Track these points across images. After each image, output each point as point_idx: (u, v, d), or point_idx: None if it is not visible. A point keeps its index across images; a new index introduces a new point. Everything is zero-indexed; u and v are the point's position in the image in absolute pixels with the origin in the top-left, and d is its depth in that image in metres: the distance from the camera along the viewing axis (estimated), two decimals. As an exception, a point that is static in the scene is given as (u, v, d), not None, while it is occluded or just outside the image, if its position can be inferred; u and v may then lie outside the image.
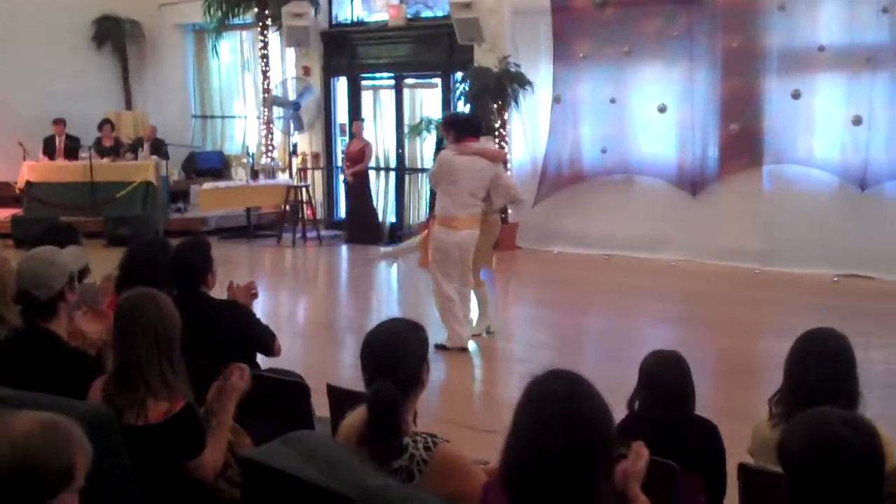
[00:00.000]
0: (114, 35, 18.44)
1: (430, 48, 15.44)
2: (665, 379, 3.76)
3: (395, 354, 3.12)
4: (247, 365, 4.08)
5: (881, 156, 11.45)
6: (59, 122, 16.41)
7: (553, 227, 13.96)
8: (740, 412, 5.18)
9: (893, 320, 9.67)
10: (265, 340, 5.08)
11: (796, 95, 11.88)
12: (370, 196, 15.92)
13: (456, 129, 8.55)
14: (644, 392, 3.78)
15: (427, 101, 15.91)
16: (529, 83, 13.80)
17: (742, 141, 12.38)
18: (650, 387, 3.76)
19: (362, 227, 15.54)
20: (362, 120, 15.94)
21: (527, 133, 14.40)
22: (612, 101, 13.32)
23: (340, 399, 4.26)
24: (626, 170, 13.44)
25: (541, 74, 14.01)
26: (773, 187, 12.28)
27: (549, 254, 13.74)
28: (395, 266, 14.49)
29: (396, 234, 15.60)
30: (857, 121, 11.47)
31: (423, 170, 15.60)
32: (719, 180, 12.66)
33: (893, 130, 11.34)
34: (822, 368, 3.39)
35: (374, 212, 15.98)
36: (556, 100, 13.92)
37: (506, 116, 14.16)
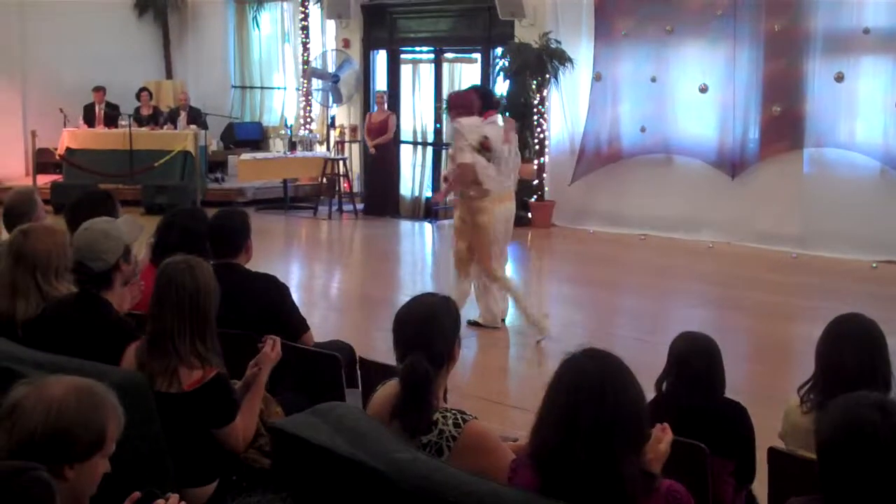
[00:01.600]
0: (155, 3, 18.49)
1: (471, 23, 15.36)
2: (693, 361, 3.74)
3: (428, 329, 3.12)
4: (282, 340, 4.08)
5: (924, 141, 11.30)
6: (99, 89, 16.49)
7: (590, 206, 13.90)
8: (773, 397, 5.14)
9: (932, 308, 9.56)
10: (296, 326, 4.94)
11: (839, 78, 11.72)
12: (397, 169, 15.92)
13: (485, 101, 8.49)
14: (672, 374, 3.77)
15: (466, 76, 15.83)
16: (570, 60, 13.70)
17: (783, 123, 12.24)
18: (678, 369, 3.75)
19: (381, 199, 15.57)
20: (385, 91, 15.92)
21: (566, 110, 14.32)
22: (653, 79, 13.20)
23: (372, 372, 4.27)
24: (666, 149, 13.33)
25: (581, 51, 13.91)
26: (813, 171, 12.14)
27: (584, 232, 13.68)
28: (431, 239, 14.54)
29: (432, 208, 15.58)
30: (902, 105, 11.32)
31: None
32: (759, 162, 12.53)
33: (938, 115, 11.18)
34: (856, 353, 3.37)
35: (396, 185, 16.01)
36: (597, 77, 13.81)
37: (545, 93, 14.09)
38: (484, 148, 8.15)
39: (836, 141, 11.93)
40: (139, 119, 16.30)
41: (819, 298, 9.53)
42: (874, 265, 11.31)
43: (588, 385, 2.40)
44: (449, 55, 16.02)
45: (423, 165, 16.23)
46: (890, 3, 11.42)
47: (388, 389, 3.15)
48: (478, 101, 8.48)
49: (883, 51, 11.55)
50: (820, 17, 11.91)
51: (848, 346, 3.40)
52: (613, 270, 11.60)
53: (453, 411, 3.06)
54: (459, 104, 8.50)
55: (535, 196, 14.26)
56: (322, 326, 7.42)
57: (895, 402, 2.47)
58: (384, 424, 2.97)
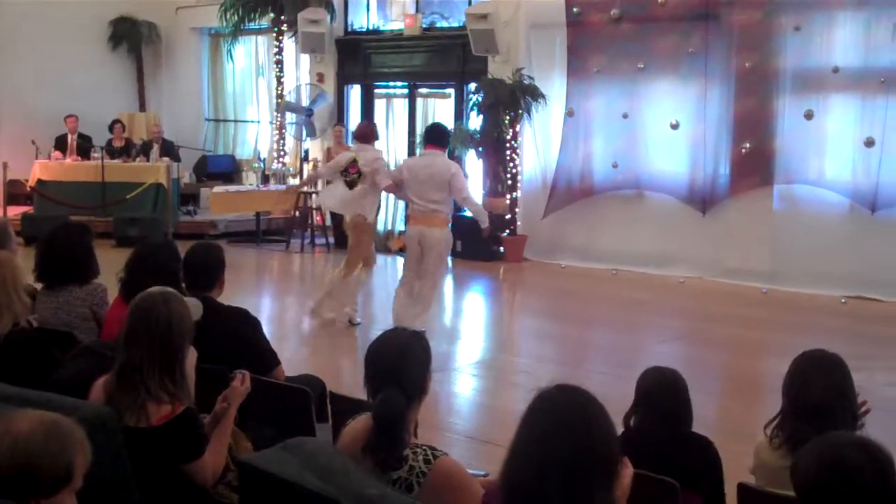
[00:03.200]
0: (130, 36, 18.52)
1: (445, 58, 15.46)
2: (661, 396, 3.76)
3: (401, 364, 3.12)
4: (253, 375, 4.06)
5: (893, 178, 11.41)
6: (71, 116, 16.44)
7: (561, 241, 13.96)
8: (744, 431, 5.17)
9: (900, 344, 9.65)
10: (267, 360, 4.95)
11: (809, 116, 11.86)
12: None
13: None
14: (640, 408, 3.78)
15: (440, 110, 15.91)
16: (543, 96, 13.81)
17: (753, 160, 12.36)
18: (646, 403, 3.76)
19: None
20: (341, 125, 15.95)
21: (538, 146, 14.41)
22: (625, 116, 13.32)
23: (342, 406, 4.26)
24: (637, 185, 13.43)
25: (554, 87, 14.03)
26: (783, 207, 12.26)
27: (556, 267, 13.72)
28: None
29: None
30: (870, 143, 11.44)
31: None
32: (730, 198, 12.64)
33: (905, 153, 11.32)
34: (823, 388, 3.40)
35: None
36: (569, 113, 13.92)
37: (518, 128, 14.18)
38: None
39: (805, 178, 12.07)
40: (111, 151, 16.25)
41: (789, 334, 9.57)
42: (843, 300, 11.40)
43: (560, 420, 2.41)
44: (423, 90, 16.10)
45: (394, 198, 16.20)
46: (859, 43, 11.59)
47: (358, 424, 3.14)
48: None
49: (852, 89, 11.70)
50: (790, 56, 12.07)
51: (814, 381, 3.43)
52: (585, 305, 11.63)
53: (423, 447, 3.05)
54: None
55: (507, 230, 14.30)
56: (293, 360, 7.40)
57: (872, 442, 2.50)
58: (355, 460, 2.96)
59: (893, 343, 9.65)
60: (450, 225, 9.57)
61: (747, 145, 12.38)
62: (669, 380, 3.86)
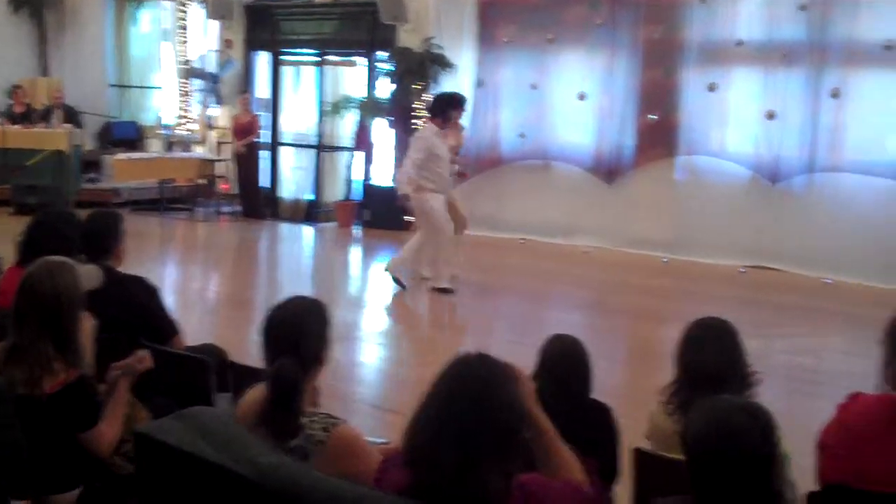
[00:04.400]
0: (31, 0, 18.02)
1: (354, 26, 15.33)
2: (561, 363, 3.79)
3: (297, 333, 3.11)
4: (150, 344, 4.01)
5: (793, 151, 11.67)
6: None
7: (470, 211, 13.94)
8: (643, 397, 5.25)
9: (796, 312, 9.90)
10: (165, 329, 4.86)
11: (712, 88, 12.07)
12: (257, 169, 15.84)
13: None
14: (542, 375, 3.81)
15: (349, 79, 15.82)
16: (452, 65, 13.81)
17: (658, 131, 12.54)
18: (547, 370, 3.79)
19: (254, 200, 15.50)
20: (248, 92, 15.88)
21: (448, 115, 14.39)
22: (534, 87, 13.40)
23: (242, 376, 4.23)
24: (544, 156, 13.53)
25: (464, 57, 14.04)
26: (685, 178, 12.48)
27: (465, 236, 13.72)
28: (311, 241, 14.47)
29: (314, 211, 15.51)
30: (771, 115, 11.68)
31: (341, 148, 15.54)
32: (634, 169, 12.82)
33: (805, 126, 11.55)
34: (715, 353, 3.47)
35: (257, 185, 15.92)
36: (479, 83, 13.95)
37: (427, 98, 14.14)
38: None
39: (707, 149, 12.28)
40: (11, 117, 15.82)
41: (689, 302, 9.75)
42: (742, 270, 11.66)
43: (465, 387, 2.42)
44: (332, 58, 15.96)
45: (304, 168, 16.13)
46: (762, 17, 11.79)
47: (255, 394, 3.13)
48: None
49: (755, 62, 11.91)
50: (695, 29, 12.24)
51: (707, 347, 3.49)
52: (493, 274, 11.69)
53: (322, 415, 3.05)
54: None
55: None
56: (198, 330, 7.31)
57: (757, 405, 2.56)
58: (251, 429, 2.94)
59: (790, 311, 9.92)
60: (423, 194, 9.99)
61: (652, 117, 12.55)
62: (570, 347, 3.89)
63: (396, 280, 10.35)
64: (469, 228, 11.07)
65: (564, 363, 3.81)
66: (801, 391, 7.18)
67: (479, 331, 9.24)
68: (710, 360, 3.45)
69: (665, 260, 12.16)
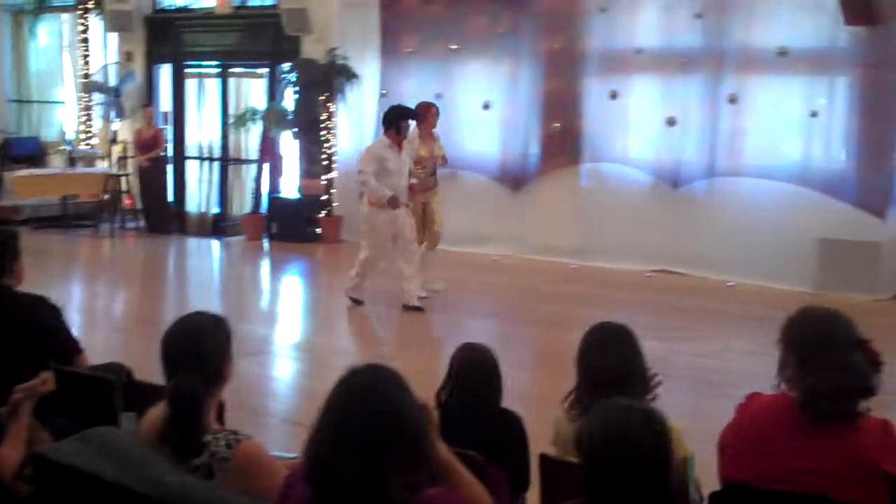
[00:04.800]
0: (-77, 13, 17.55)
1: (257, 37, 15.23)
2: (470, 372, 3.82)
3: (197, 348, 3.08)
4: (53, 364, 3.93)
5: (693, 156, 11.88)
6: None
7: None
8: (553, 404, 5.30)
9: (701, 315, 10.07)
10: (68, 349, 4.73)
11: (614, 96, 12.25)
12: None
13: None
14: (451, 384, 3.83)
15: (253, 91, 15.71)
16: (356, 76, 13.81)
17: (562, 139, 12.68)
18: (457, 379, 3.82)
19: (160, 216, 15.31)
20: (151, 106, 15.71)
21: (353, 126, 14.40)
22: (439, 96, 13.40)
23: (148, 394, 4.17)
24: (451, 165, 13.50)
25: (368, 68, 14.04)
26: (590, 185, 12.62)
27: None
28: (218, 256, 14.33)
29: (221, 225, 15.37)
30: (671, 122, 11.89)
31: (247, 160, 15.43)
32: (540, 177, 12.93)
33: (705, 132, 11.78)
34: (615, 357, 3.50)
35: (166, 200, 15.76)
36: (383, 94, 13.96)
37: (332, 109, 14.13)
38: None
39: (611, 156, 12.45)
40: None
41: (597, 308, 9.82)
42: (648, 275, 11.84)
43: (361, 399, 2.43)
44: (235, 69, 15.83)
45: (209, 181, 15.97)
46: (660, 25, 11.99)
47: (157, 412, 3.09)
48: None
49: (653, 70, 12.11)
50: (595, 38, 12.41)
51: (605, 352, 3.53)
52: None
53: (226, 432, 3.02)
54: None
55: (323, 211, 14.25)
56: (104, 348, 7.22)
57: (650, 408, 2.60)
58: (154, 448, 2.91)
59: (695, 314, 10.09)
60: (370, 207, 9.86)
61: (556, 125, 12.69)
62: (479, 356, 3.91)
63: (353, 300, 10.20)
64: (439, 244, 10.92)
65: (474, 372, 3.83)
66: (707, 393, 7.31)
67: (390, 341, 9.24)
68: (609, 364, 3.48)
69: (574, 266, 12.28)
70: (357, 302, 10.15)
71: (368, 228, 9.94)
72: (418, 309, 9.85)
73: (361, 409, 2.41)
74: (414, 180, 10.06)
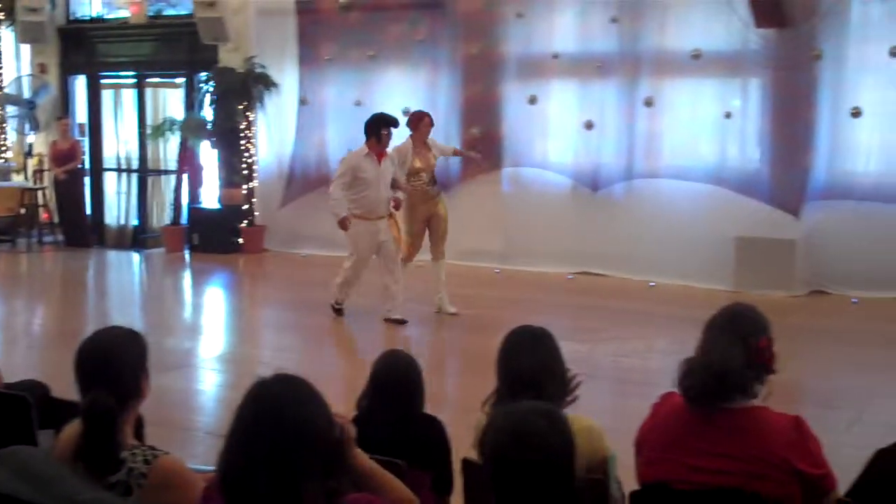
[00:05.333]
0: None
1: (173, 47, 15.08)
2: (392, 378, 3.83)
3: (111, 363, 3.04)
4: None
5: (611, 159, 12.04)
6: None
7: (301, 230, 13.94)
8: (476, 408, 5.33)
9: (623, 315, 10.18)
10: None
11: (532, 101, 12.36)
12: (82, 196, 15.43)
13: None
14: (372, 390, 3.84)
15: (170, 101, 15.55)
16: (275, 84, 13.75)
17: (483, 144, 12.72)
18: (378, 385, 3.82)
19: (78, 229, 15.09)
20: (67, 117, 15.50)
21: (273, 135, 14.33)
22: (358, 103, 13.44)
23: (66, 411, 4.10)
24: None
25: (287, 76, 13.99)
26: (512, 189, 12.71)
27: (297, 256, 13.71)
28: (139, 269, 14.16)
29: (140, 237, 15.17)
30: (589, 125, 12.03)
31: (166, 171, 15.26)
32: (462, 183, 12.98)
33: (622, 135, 11.95)
34: (532, 359, 3.51)
35: (84, 213, 15.53)
36: (303, 101, 13.93)
37: (252, 118, 14.05)
38: None
39: (531, 160, 12.57)
40: None
41: (520, 311, 9.91)
42: (570, 277, 11.95)
43: (269, 409, 2.42)
44: (152, 80, 15.65)
45: (128, 193, 15.76)
46: (577, 30, 12.13)
47: (73, 429, 3.04)
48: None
49: (571, 74, 12.26)
50: (513, 43, 12.52)
51: (523, 355, 3.55)
52: (325, 294, 11.64)
53: (143, 448, 2.99)
54: None
55: (245, 221, 14.16)
56: (21, 365, 7.10)
57: (553, 408, 2.60)
58: (70, 466, 2.87)
59: (616, 315, 10.20)
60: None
61: (476, 130, 12.76)
62: (401, 362, 3.92)
63: (335, 309, 10.10)
64: (444, 257, 10.36)
65: (395, 378, 3.84)
66: (629, 392, 7.39)
67: (313, 350, 9.21)
68: (527, 367, 3.50)
69: (496, 270, 12.35)
70: (337, 311, 10.05)
71: (350, 238, 9.75)
72: (402, 322, 9.66)
73: (271, 420, 2.40)
74: (400, 194, 9.76)
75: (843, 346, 9.03)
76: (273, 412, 2.40)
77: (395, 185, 9.71)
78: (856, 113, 10.83)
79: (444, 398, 6.74)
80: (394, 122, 9.82)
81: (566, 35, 12.22)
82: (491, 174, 12.79)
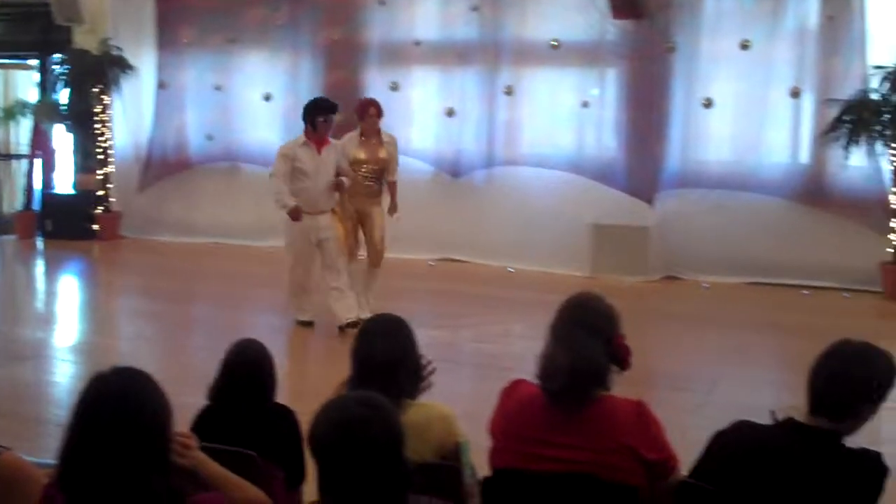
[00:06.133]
0: None
1: (25, 28, 14.58)
2: (242, 368, 3.79)
3: None
4: None
5: (472, 146, 12.17)
6: None
7: (159, 216, 13.71)
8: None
9: (483, 301, 10.30)
10: None
11: (395, 87, 12.39)
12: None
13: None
14: (224, 380, 3.80)
15: (23, 83, 15.05)
16: (131, 67, 13.45)
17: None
18: (228, 376, 3.78)
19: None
20: None
21: (130, 119, 14.02)
22: (218, 88, 13.29)
23: None
24: (233, 157, 13.45)
25: (144, 59, 13.72)
26: (374, 176, 12.69)
27: (155, 243, 13.47)
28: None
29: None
30: (450, 113, 12.13)
31: (18, 155, 14.78)
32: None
33: (483, 123, 12.08)
34: (384, 347, 3.53)
35: None
36: (161, 85, 13.68)
37: (107, 101, 13.72)
38: None
39: (395, 147, 12.56)
40: None
41: (381, 298, 9.81)
42: (431, 263, 12.04)
43: (106, 402, 2.40)
44: (3, 61, 15.11)
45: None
46: (438, 18, 12.20)
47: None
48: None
49: (433, 62, 12.34)
50: (375, 29, 12.53)
51: (375, 342, 3.57)
52: (185, 280, 11.50)
53: (-17, 445, 2.92)
54: None
55: (100, 207, 13.83)
56: None
57: (376, 396, 2.60)
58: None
59: (477, 301, 10.32)
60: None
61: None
62: (253, 352, 3.86)
63: (300, 322, 9.12)
64: (380, 261, 9.50)
65: (247, 368, 3.80)
66: (489, 377, 7.40)
67: (173, 340, 9.06)
68: (378, 354, 3.52)
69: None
70: (304, 324, 9.10)
71: (285, 234, 9.01)
72: (354, 325, 8.24)
73: (109, 414, 2.40)
74: (344, 179, 8.86)
75: (695, 330, 9.35)
76: (111, 406, 2.39)
77: (338, 173, 8.89)
78: (707, 103, 11.20)
79: (304, 388, 6.74)
80: (330, 108, 8.96)
81: (428, 22, 12.29)
82: (353, 161, 12.76)
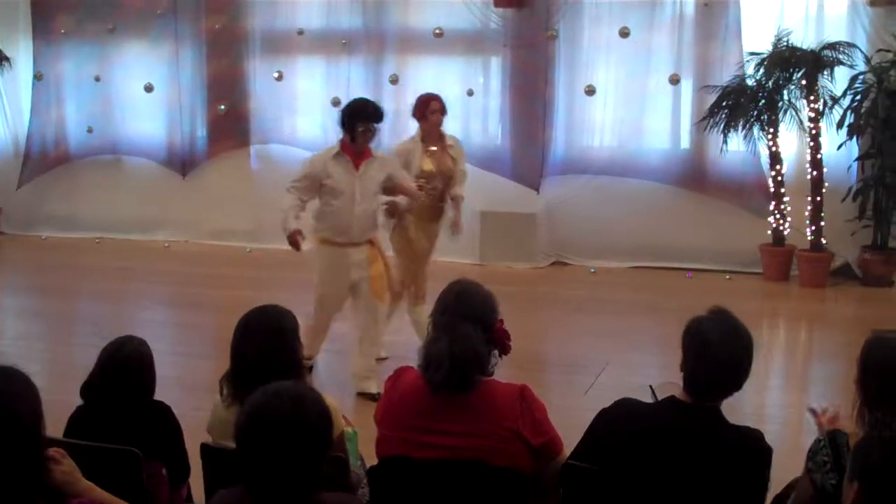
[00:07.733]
0: None
1: None
2: (118, 365, 3.71)
3: None
4: None
5: (359, 136, 12.11)
6: None
7: (40, 211, 13.38)
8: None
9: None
10: None
11: (279, 77, 12.30)
12: None
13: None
14: (98, 380, 3.72)
15: None
16: (6, 58, 13.09)
17: (229, 121, 12.60)
18: (106, 371, 3.70)
19: None
20: None
21: (7, 112, 13.65)
22: (97, 79, 13.02)
23: None
24: (115, 150, 13.19)
25: (20, 50, 13.35)
26: (260, 167, 12.61)
27: (36, 239, 13.14)
28: None
29: None
30: (336, 102, 12.05)
31: None
32: (209, 160, 12.81)
33: (368, 112, 12.03)
34: (261, 341, 3.53)
35: None
36: (38, 77, 13.33)
37: (-18, 94, 13.35)
38: None
39: (279, 137, 12.50)
40: None
41: (273, 290, 9.80)
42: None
43: None
44: None
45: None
46: (321, 6, 12.14)
47: None
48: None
49: (317, 51, 12.27)
50: (257, 18, 12.40)
51: (253, 336, 3.57)
52: (69, 276, 11.24)
53: None
54: None
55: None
56: None
57: (307, 389, 2.63)
58: None
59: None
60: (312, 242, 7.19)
61: (222, 107, 12.59)
62: (131, 348, 3.79)
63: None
64: (425, 301, 7.46)
65: (125, 364, 3.72)
66: (385, 367, 7.47)
67: (58, 337, 8.86)
68: (255, 348, 3.51)
69: (248, 249, 12.24)
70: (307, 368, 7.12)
71: (312, 268, 7.24)
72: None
73: None
74: (401, 199, 7.11)
75: (583, 315, 9.51)
76: None
77: (395, 191, 7.08)
78: (590, 91, 11.37)
79: (191, 381, 6.68)
80: (374, 115, 6.82)
81: (311, 11, 12.22)
82: (239, 151, 12.67)
